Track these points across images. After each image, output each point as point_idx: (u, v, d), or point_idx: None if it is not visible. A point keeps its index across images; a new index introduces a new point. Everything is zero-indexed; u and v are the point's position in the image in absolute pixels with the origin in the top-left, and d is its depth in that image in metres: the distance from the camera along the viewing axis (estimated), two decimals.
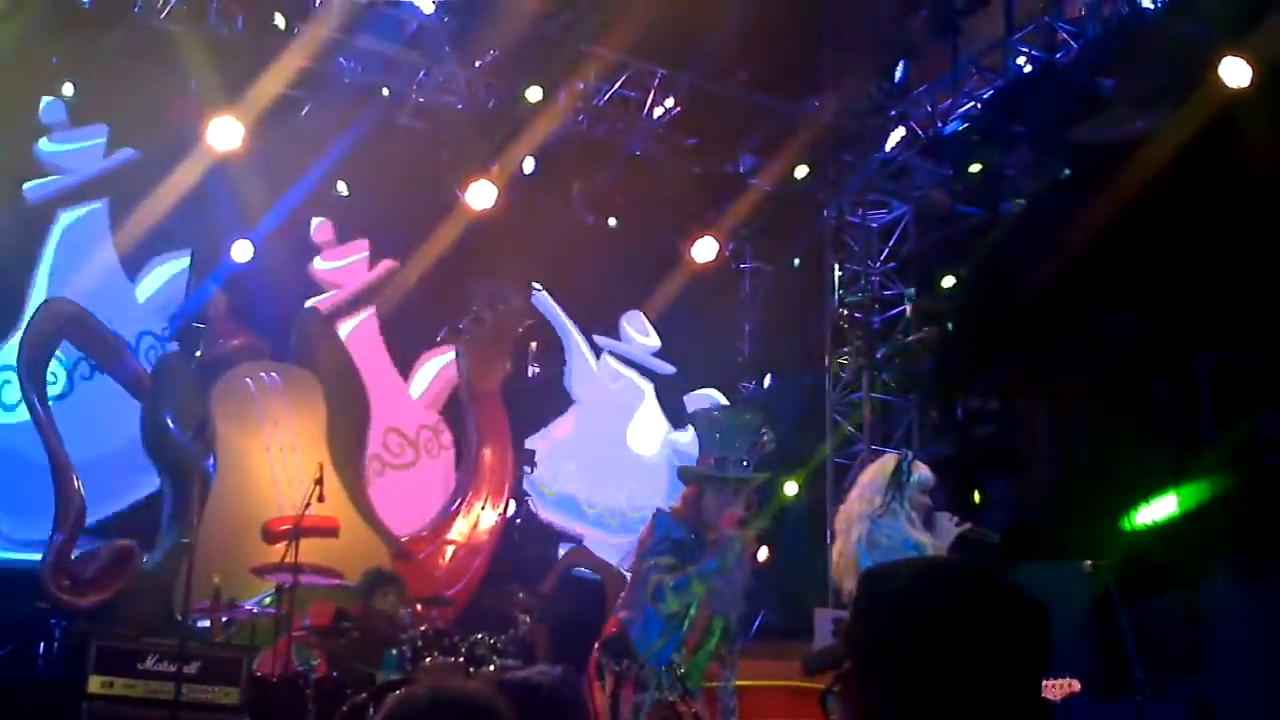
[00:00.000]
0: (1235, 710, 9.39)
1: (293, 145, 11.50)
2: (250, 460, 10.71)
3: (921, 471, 6.28)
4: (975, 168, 11.68)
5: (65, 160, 11.23)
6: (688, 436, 13.03)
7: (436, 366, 12.58)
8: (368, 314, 12.22)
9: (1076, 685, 6.64)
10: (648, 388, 13.45)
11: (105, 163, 11.31)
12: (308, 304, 11.96)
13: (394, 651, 7.94)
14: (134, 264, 11.39)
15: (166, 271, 11.54)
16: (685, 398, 13.39)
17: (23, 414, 10.35)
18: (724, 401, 13.43)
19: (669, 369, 12.96)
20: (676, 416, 13.31)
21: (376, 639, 8.16)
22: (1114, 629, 7.12)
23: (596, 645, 6.12)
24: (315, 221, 12.08)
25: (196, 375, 10.88)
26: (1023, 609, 1.85)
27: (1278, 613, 9.79)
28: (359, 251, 12.28)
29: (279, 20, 10.65)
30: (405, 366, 12.48)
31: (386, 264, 12.23)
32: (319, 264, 12.16)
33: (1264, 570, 9.93)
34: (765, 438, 6.28)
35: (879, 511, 6.17)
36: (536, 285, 12.67)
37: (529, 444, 12.46)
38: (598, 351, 13.26)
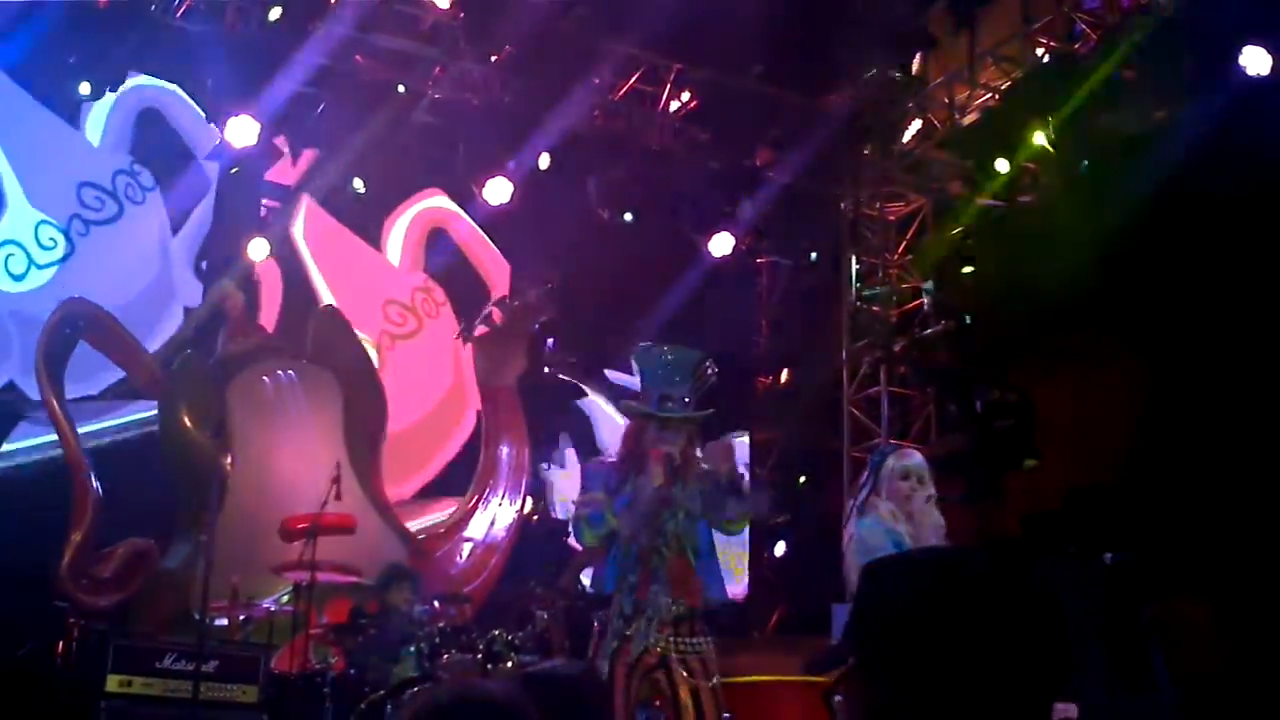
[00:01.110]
0: (1256, 703, 9.32)
1: (309, 144, 11.53)
2: (268, 459, 10.71)
3: (904, 459, 6.11)
4: (997, 163, 11.58)
5: None
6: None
7: (404, 225, 12.63)
8: (306, 203, 12.09)
9: (1073, 712, 6.53)
10: None
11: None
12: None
13: (411, 649, 7.94)
14: (70, 110, 11.25)
15: (102, 107, 11.33)
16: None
17: (34, 280, 10.62)
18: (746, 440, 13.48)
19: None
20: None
21: (394, 636, 8.16)
22: (1134, 622, 7.08)
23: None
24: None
25: (213, 374, 10.89)
26: (1030, 600, 1.81)
27: None
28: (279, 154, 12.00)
29: (294, 18, 10.65)
30: (372, 237, 12.49)
31: (308, 154, 12.00)
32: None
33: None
34: (709, 370, 6.16)
35: (861, 508, 6.10)
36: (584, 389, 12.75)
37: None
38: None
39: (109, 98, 11.19)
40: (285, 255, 11.94)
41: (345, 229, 12.29)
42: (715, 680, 5.84)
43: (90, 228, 11.06)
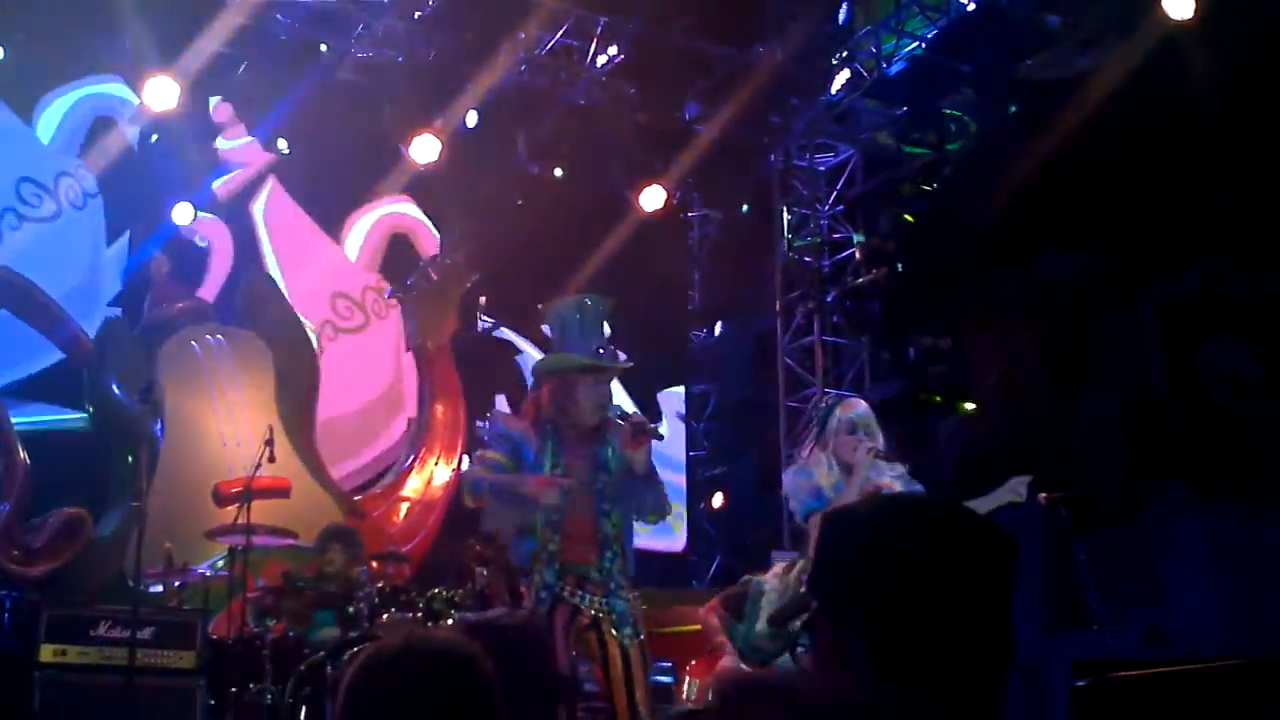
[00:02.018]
0: (1189, 636, 9.49)
1: (231, 105, 11.36)
2: (199, 424, 10.60)
3: (850, 411, 6.05)
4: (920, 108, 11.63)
5: None
6: (662, 429, 13.04)
7: (367, 225, 12.64)
8: (271, 184, 12.15)
9: None
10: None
11: None
12: (215, 184, 11.84)
13: (350, 610, 7.89)
14: (24, 107, 11.15)
15: (59, 108, 11.28)
16: (659, 395, 13.43)
17: None
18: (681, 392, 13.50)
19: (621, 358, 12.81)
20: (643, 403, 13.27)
21: (331, 597, 8.11)
22: (1069, 562, 7.15)
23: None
24: (213, 101, 11.79)
25: (141, 340, 10.75)
26: (985, 534, 1.83)
27: (1227, 540, 9.89)
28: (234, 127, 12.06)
29: None
30: (334, 230, 12.50)
31: (281, 143, 12.02)
32: (222, 143, 11.97)
33: (1212, 498, 10.02)
34: (612, 319, 6.08)
35: (805, 461, 6.08)
36: (485, 318, 12.61)
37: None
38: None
39: (68, 98, 11.17)
40: (239, 230, 11.90)
41: (306, 216, 12.29)
42: (642, 635, 5.81)
43: (24, 223, 10.89)
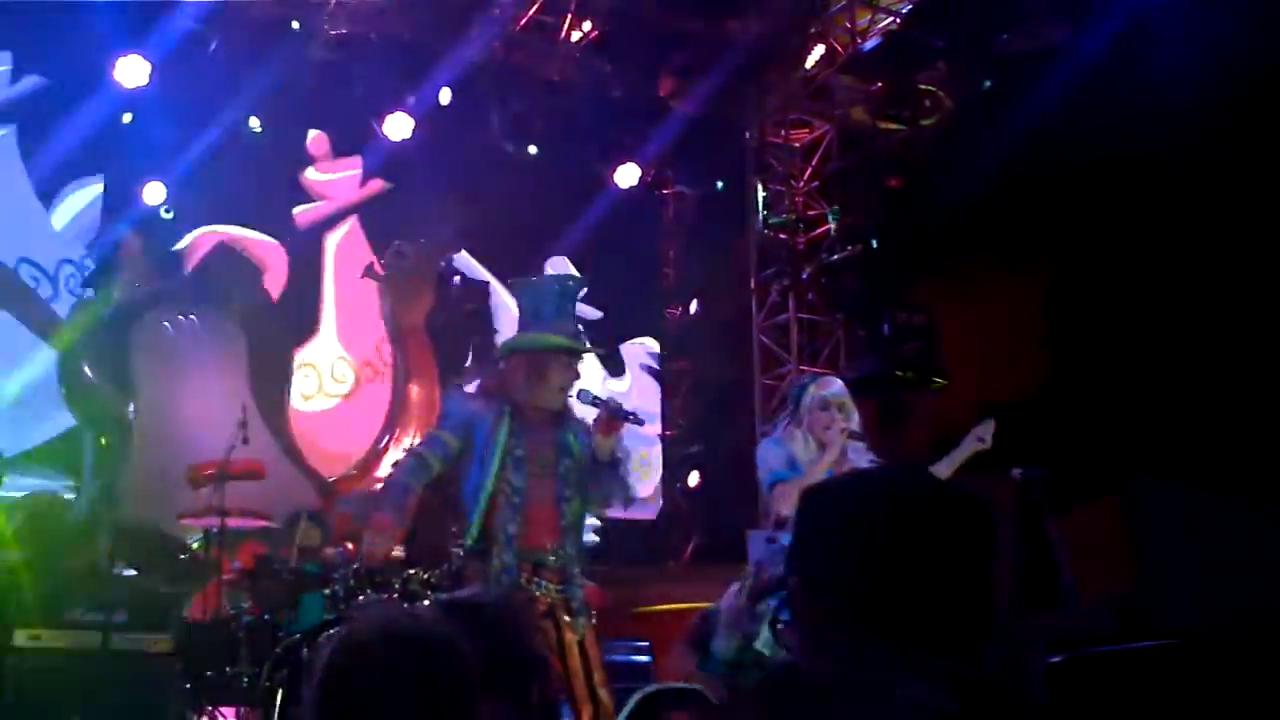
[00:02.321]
0: (1163, 611, 9.53)
1: (203, 83, 11.25)
2: (171, 405, 10.55)
3: (825, 389, 6.01)
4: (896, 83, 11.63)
5: None
6: (624, 384, 13.01)
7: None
8: (351, 223, 12.25)
9: None
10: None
11: (11, 91, 10.96)
12: (295, 211, 11.99)
13: (325, 592, 7.87)
14: (48, 191, 11.06)
15: (81, 199, 11.22)
16: (623, 348, 13.35)
17: None
18: (656, 348, 13.44)
19: (595, 314, 12.79)
20: (612, 364, 13.23)
21: (306, 579, 8.09)
22: (1043, 538, 7.17)
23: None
24: (311, 134, 11.99)
25: (112, 320, 10.67)
26: (962, 506, 1.83)
27: (1203, 517, 9.93)
28: (352, 168, 12.22)
29: None
30: None
31: (377, 183, 12.19)
32: (311, 174, 12.08)
33: (1188, 477, 10.07)
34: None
35: (779, 434, 6.06)
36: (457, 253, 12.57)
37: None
38: None
39: (90, 191, 11.19)
40: (301, 252, 11.99)
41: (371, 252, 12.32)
42: (594, 620, 5.76)
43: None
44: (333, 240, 12.21)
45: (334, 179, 12.18)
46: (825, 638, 1.80)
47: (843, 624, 1.77)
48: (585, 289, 6.01)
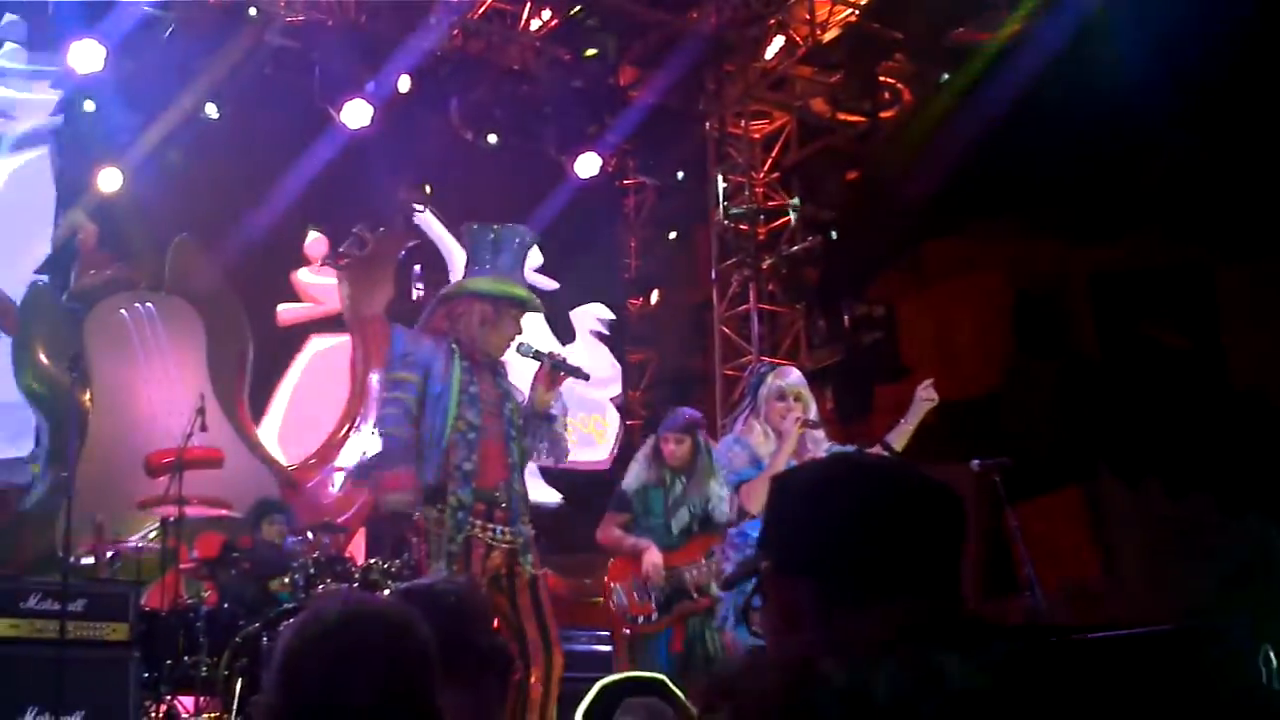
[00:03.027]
0: (1120, 598, 9.65)
1: (159, 69, 11.14)
2: (129, 393, 10.46)
3: (782, 379, 6.03)
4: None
5: None
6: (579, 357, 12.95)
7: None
8: (344, 340, 12.03)
9: None
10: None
11: None
12: (280, 309, 11.78)
13: (285, 580, 7.86)
14: None
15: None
16: (571, 313, 13.25)
17: None
18: (611, 316, 13.37)
19: (552, 285, 12.75)
20: (565, 334, 13.20)
21: (267, 568, 8.06)
22: (1002, 528, 7.23)
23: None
24: (311, 236, 11.92)
25: (68, 308, 10.58)
26: (934, 493, 1.84)
27: (1156, 509, 10.05)
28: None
29: None
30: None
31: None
32: (304, 276, 11.95)
33: (1143, 468, 10.18)
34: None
35: (740, 430, 6.07)
36: (418, 206, 12.41)
37: None
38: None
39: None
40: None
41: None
42: (545, 570, 5.82)
43: None
44: (319, 346, 11.99)
45: (327, 284, 12.03)
46: (794, 626, 1.81)
47: (812, 613, 1.78)
48: (537, 244, 6.01)
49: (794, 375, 6.15)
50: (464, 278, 5.96)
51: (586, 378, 5.96)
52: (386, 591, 7.67)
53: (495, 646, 3.28)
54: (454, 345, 5.68)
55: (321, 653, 2.32)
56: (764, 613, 1.88)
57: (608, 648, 8.22)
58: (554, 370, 5.82)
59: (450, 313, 5.82)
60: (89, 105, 10.73)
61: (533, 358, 5.87)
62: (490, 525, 5.57)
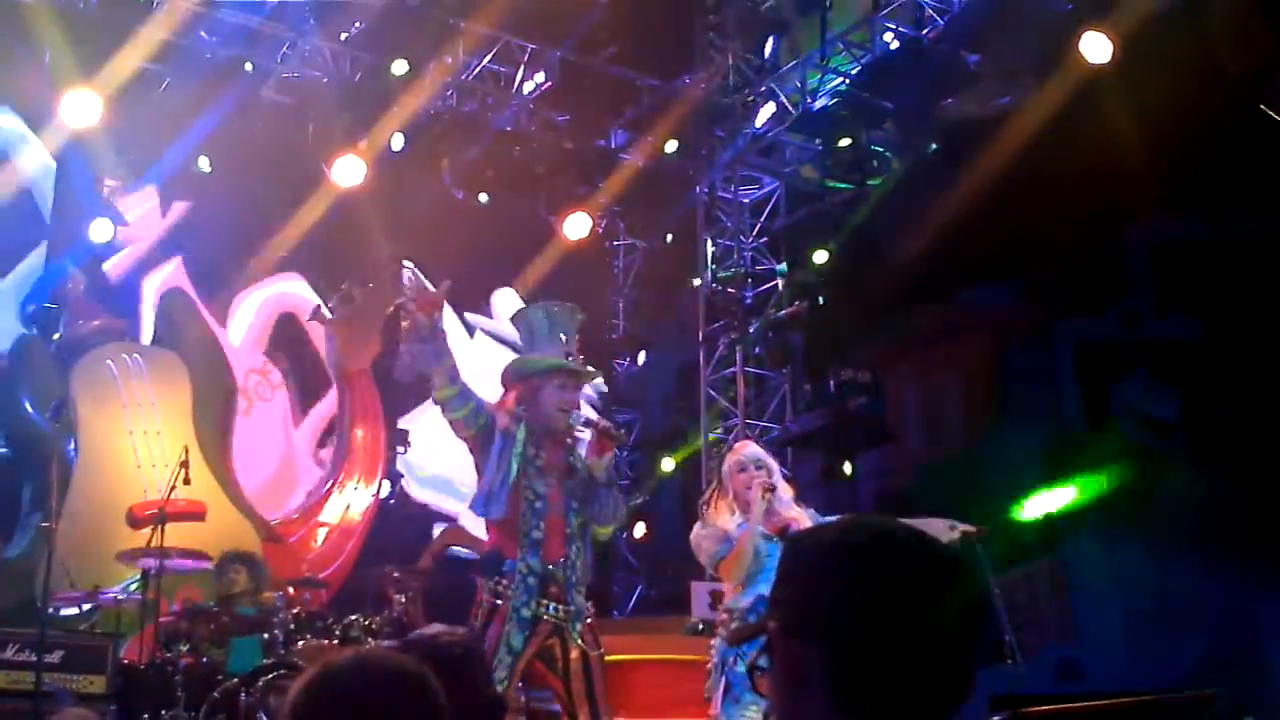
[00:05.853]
0: (1101, 668, 9.63)
1: (153, 121, 11.20)
2: (113, 444, 10.42)
3: (738, 454, 6.07)
4: (844, 142, 11.79)
5: None
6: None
7: (254, 305, 12.16)
8: (175, 264, 11.63)
9: None
10: None
11: None
12: (106, 266, 11.39)
13: (263, 636, 7.82)
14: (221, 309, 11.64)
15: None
16: None
17: None
18: (605, 389, 13.39)
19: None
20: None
21: (247, 623, 8.01)
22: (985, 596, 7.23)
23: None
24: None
25: (56, 357, 10.57)
26: (953, 568, 1.83)
27: (1135, 577, 10.06)
28: (148, 200, 11.57)
29: None
30: (221, 312, 11.94)
31: (180, 207, 11.62)
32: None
33: (1122, 534, 10.20)
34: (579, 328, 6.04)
35: (707, 515, 6.07)
36: (407, 263, 12.43)
37: (402, 424, 12.26)
38: (470, 331, 13.08)
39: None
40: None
41: (197, 303, 11.69)
42: (602, 649, 5.82)
43: None
44: (153, 283, 11.57)
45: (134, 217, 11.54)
46: (800, 690, 1.80)
47: (819, 678, 1.77)
48: (579, 316, 6.10)
49: (750, 448, 6.24)
50: (526, 355, 6.08)
51: (624, 441, 6.07)
52: (386, 643, 7.63)
53: (497, 698, 3.27)
54: (522, 416, 5.78)
55: (334, 701, 2.28)
56: (771, 675, 1.87)
57: None
58: (603, 436, 5.95)
59: (502, 402, 5.93)
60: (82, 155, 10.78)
61: (583, 426, 5.99)
62: (545, 601, 5.64)
